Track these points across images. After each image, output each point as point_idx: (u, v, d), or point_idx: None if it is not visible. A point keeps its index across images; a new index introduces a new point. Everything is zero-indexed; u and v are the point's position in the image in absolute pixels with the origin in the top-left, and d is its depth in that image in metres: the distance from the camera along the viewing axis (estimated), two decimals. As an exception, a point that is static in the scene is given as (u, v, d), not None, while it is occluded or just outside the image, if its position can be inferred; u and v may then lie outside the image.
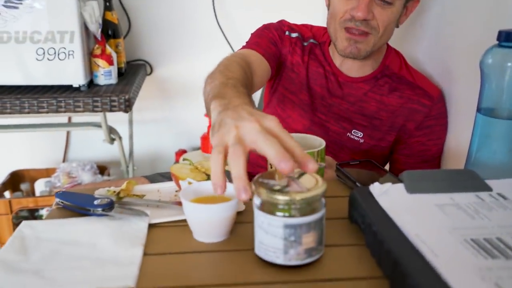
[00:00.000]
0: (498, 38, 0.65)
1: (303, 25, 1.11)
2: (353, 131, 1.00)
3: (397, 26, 1.01)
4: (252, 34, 1.09)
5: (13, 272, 0.54)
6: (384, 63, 1.04)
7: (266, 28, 1.08)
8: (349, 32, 0.94)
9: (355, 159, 0.95)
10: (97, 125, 1.54)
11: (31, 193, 1.74)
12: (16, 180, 1.75)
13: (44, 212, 1.59)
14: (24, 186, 1.73)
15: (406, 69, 1.04)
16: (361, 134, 0.99)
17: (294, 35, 1.07)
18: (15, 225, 1.56)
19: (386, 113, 1.00)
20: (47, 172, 1.78)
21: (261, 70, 0.98)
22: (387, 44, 1.06)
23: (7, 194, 1.68)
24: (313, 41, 1.07)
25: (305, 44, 1.07)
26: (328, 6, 1.01)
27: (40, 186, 1.76)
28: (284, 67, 1.08)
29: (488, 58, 0.66)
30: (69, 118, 1.83)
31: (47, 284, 0.52)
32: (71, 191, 0.74)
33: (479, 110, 0.69)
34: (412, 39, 1.25)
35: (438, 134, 1.00)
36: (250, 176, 0.51)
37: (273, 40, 1.06)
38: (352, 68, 1.03)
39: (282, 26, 1.08)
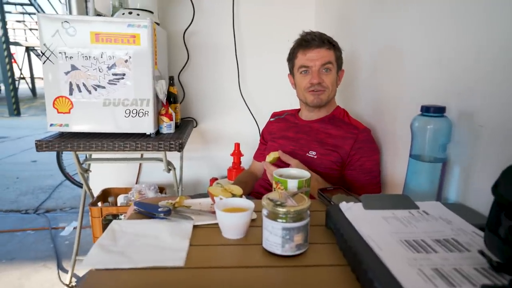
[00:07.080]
0: (421, 110, 0.68)
1: (283, 111, 1.29)
2: (309, 151, 1.07)
3: (337, 86, 1.14)
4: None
5: (107, 252, 0.56)
6: (333, 113, 1.14)
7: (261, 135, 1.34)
8: (313, 91, 1.09)
9: (330, 184, 0.97)
10: (160, 160, 1.57)
11: (115, 204, 1.74)
12: (105, 195, 1.77)
13: (122, 217, 1.61)
14: (110, 199, 1.73)
15: (346, 117, 1.14)
16: (314, 153, 1.06)
17: (272, 119, 1.29)
18: (104, 225, 1.57)
19: (330, 139, 1.07)
20: (125, 190, 1.79)
21: (260, 166, 1.28)
22: (337, 105, 1.18)
23: (99, 204, 1.70)
24: (287, 113, 1.25)
25: (282, 116, 1.26)
26: (295, 86, 1.16)
27: (120, 199, 1.75)
28: (268, 135, 1.27)
29: (415, 122, 0.69)
30: (142, 155, 1.88)
31: (128, 260, 0.53)
32: (143, 201, 0.75)
33: (410, 155, 0.70)
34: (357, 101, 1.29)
35: (369, 153, 1.04)
36: (260, 194, 0.55)
37: (261, 143, 1.31)
38: (312, 117, 1.16)
39: (268, 122, 1.30)
